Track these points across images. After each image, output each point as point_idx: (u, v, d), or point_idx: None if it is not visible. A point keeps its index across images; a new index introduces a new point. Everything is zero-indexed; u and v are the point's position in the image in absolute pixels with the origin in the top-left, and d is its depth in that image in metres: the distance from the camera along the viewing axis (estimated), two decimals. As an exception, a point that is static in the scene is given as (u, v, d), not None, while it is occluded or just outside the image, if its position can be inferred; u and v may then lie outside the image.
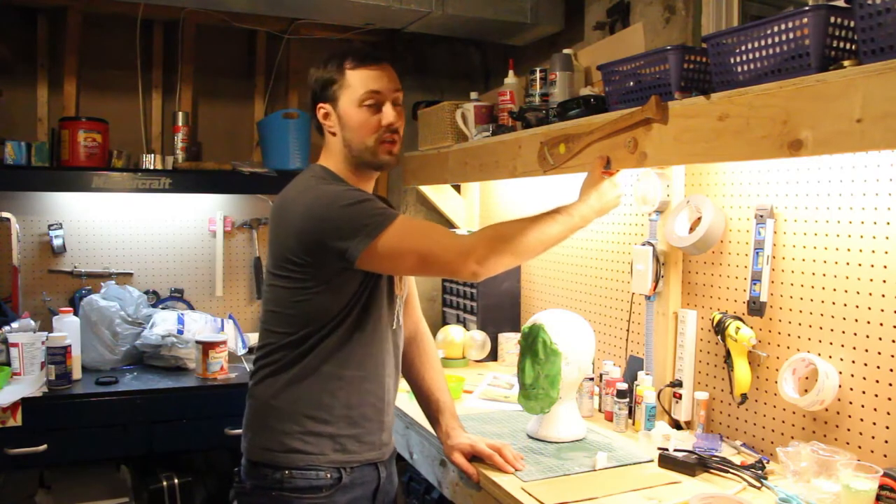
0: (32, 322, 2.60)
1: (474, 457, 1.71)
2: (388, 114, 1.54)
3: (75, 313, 2.63)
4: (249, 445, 1.56)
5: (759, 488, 1.58)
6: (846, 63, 1.30)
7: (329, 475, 1.50)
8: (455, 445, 1.73)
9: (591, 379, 2.17)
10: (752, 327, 1.80)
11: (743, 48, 1.50)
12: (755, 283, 1.79)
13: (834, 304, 1.64)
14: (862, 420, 1.58)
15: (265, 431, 1.53)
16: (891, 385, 1.52)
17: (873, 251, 1.55)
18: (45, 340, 2.46)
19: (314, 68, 1.59)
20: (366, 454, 1.57)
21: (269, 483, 1.50)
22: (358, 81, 1.53)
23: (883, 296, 1.53)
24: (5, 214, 2.80)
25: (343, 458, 1.53)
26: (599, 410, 2.19)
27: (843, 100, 1.26)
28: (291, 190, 1.56)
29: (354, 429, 1.54)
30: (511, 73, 2.58)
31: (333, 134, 1.58)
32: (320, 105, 1.58)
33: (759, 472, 1.63)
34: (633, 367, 2.17)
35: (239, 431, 1.62)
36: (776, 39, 1.43)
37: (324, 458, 1.50)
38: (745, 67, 1.51)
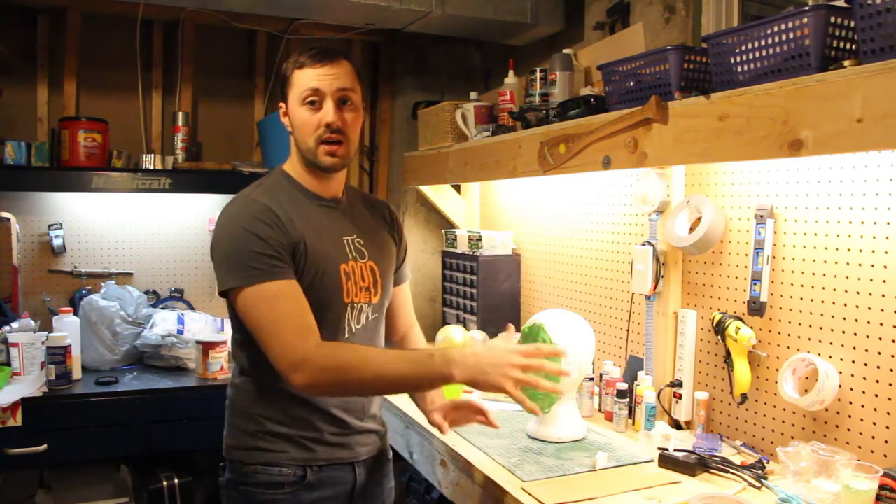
0: (32, 322, 2.60)
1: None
2: (327, 112, 1.48)
3: (75, 313, 2.63)
4: (224, 443, 1.57)
5: (759, 488, 1.58)
6: (846, 63, 1.30)
7: (293, 472, 1.49)
8: (436, 408, 1.63)
9: (591, 379, 2.17)
10: (752, 327, 1.80)
11: (743, 48, 1.50)
12: (755, 283, 1.79)
13: (834, 304, 1.64)
14: (862, 420, 1.58)
15: (232, 430, 1.55)
16: (891, 385, 1.52)
17: (873, 251, 1.55)
18: (45, 340, 2.46)
19: None
20: (334, 453, 1.53)
21: (239, 478, 1.51)
22: (301, 80, 1.50)
23: (883, 296, 1.53)
24: (5, 214, 2.80)
25: (307, 455, 1.50)
26: (599, 410, 2.19)
27: (843, 100, 1.27)
28: (237, 195, 1.54)
29: (313, 432, 1.51)
30: (511, 73, 2.58)
31: (291, 133, 1.57)
32: (280, 104, 1.58)
33: (759, 472, 1.63)
34: (633, 367, 2.17)
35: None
36: (776, 39, 1.43)
37: (285, 456, 1.49)
38: (746, 67, 1.51)
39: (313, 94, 1.49)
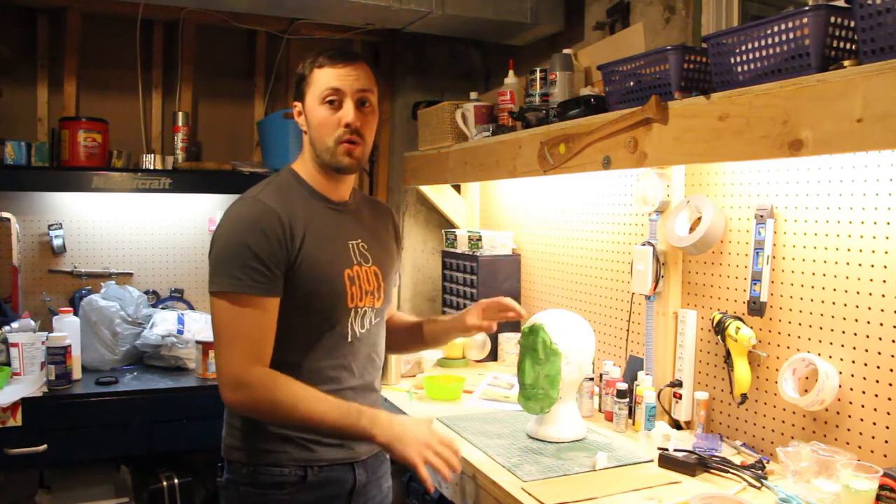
0: (32, 322, 2.59)
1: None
2: (348, 112, 1.49)
3: (75, 313, 2.63)
4: (223, 443, 1.57)
5: (759, 488, 1.58)
6: (846, 63, 1.30)
7: (293, 473, 1.49)
8: (465, 313, 1.80)
9: (591, 379, 2.17)
10: (752, 327, 1.80)
11: (743, 48, 1.50)
12: (755, 283, 1.79)
13: (834, 304, 1.64)
14: (862, 420, 1.58)
15: (231, 430, 1.54)
16: (891, 385, 1.52)
17: (873, 251, 1.55)
18: (45, 340, 2.46)
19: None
20: (334, 453, 1.53)
21: (239, 478, 1.51)
22: (321, 79, 1.51)
23: (883, 296, 1.53)
24: (5, 214, 2.80)
25: (308, 455, 1.50)
26: (599, 410, 2.19)
27: (843, 100, 1.27)
28: (245, 193, 1.54)
29: (312, 433, 1.51)
30: (511, 73, 2.58)
31: (305, 133, 1.57)
32: (294, 103, 1.59)
33: (759, 472, 1.63)
34: (633, 367, 2.17)
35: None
36: (776, 39, 1.43)
37: (286, 457, 1.49)
38: (745, 67, 1.51)
39: (333, 93, 1.50)
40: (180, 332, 2.75)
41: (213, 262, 1.46)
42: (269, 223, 1.45)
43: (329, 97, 1.50)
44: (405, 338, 1.85)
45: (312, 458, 1.51)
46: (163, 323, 2.78)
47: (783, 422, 1.76)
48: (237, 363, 1.41)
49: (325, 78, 1.50)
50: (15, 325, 2.55)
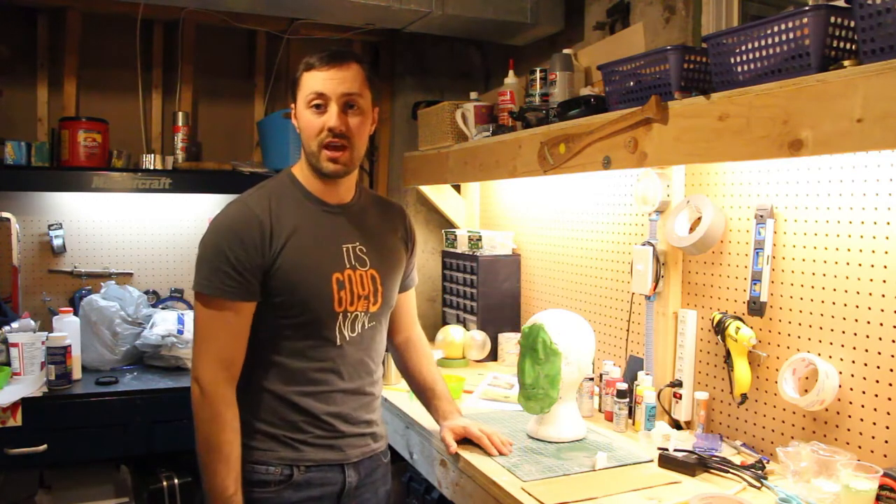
0: (32, 322, 2.59)
1: (466, 439, 1.78)
2: (331, 116, 1.48)
3: (75, 313, 2.63)
4: None
5: (759, 488, 1.58)
6: (846, 63, 1.30)
7: (279, 471, 1.49)
8: (448, 424, 1.80)
9: (591, 379, 2.17)
10: (752, 327, 1.80)
11: (743, 48, 1.51)
12: (755, 283, 1.79)
13: (834, 304, 1.64)
14: (862, 420, 1.58)
15: None
16: (891, 385, 1.52)
17: (873, 251, 1.55)
18: (45, 340, 2.46)
19: None
20: (321, 454, 1.54)
21: None
22: (308, 82, 1.50)
23: (883, 296, 1.53)
24: (5, 214, 2.80)
25: (294, 455, 1.51)
26: (599, 410, 2.19)
27: (843, 100, 1.27)
28: (238, 196, 1.58)
29: (302, 434, 1.52)
30: (511, 73, 2.58)
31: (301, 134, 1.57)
32: (291, 105, 1.59)
33: (759, 472, 1.63)
34: (633, 367, 2.17)
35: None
36: (776, 39, 1.43)
37: (272, 455, 1.50)
38: (745, 67, 1.51)
39: (318, 97, 1.49)
40: (180, 332, 2.75)
41: (196, 263, 1.51)
42: (247, 230, 1.47)
43: (314, 101, 1.50)
44: (414, 389, 1.90)
45: (299, 457, 1.51)
46: (163, 323, 2.78)
47: (783, 422, 1.76)
48: (209, 368, 1.46)
49: (311, 81, 1.50)
50: (15, 325, 2.55)
